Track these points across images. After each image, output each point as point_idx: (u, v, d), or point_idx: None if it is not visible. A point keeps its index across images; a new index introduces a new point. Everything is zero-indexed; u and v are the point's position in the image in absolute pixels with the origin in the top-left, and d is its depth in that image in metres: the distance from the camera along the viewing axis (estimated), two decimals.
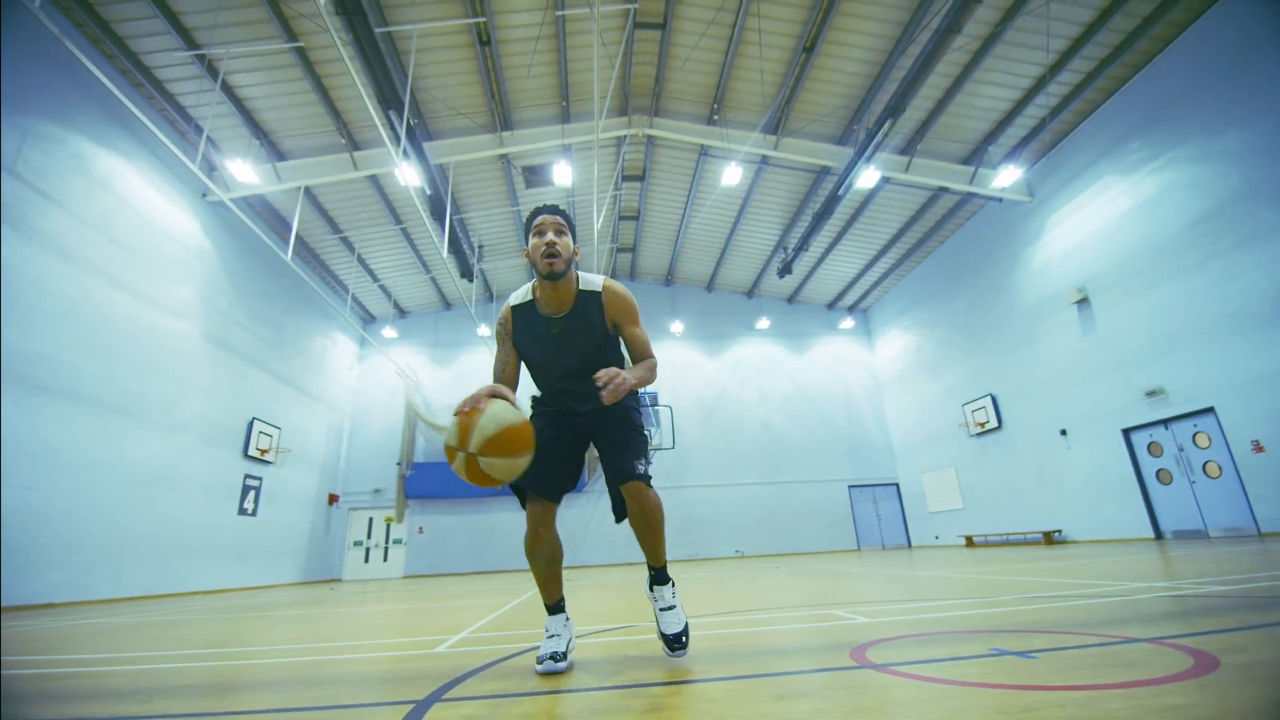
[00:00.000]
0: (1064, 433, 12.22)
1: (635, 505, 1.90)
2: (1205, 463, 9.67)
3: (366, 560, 16.50)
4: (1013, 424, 13.73)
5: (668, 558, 2.26)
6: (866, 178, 11.77)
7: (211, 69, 9.58)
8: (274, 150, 11.44)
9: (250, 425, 12.44)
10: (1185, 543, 8.61)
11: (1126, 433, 10.91)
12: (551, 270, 1.91)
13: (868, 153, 10.93)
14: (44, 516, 7.78)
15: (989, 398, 14.30)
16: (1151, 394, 10.26)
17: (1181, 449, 10.03)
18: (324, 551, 15.69)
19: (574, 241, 2.02)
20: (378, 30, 9.10)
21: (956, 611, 2.80)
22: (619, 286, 2.04)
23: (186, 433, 10.67)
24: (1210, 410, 9.39)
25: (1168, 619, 2.16)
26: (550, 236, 1.92)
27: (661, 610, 1.99)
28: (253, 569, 12.40)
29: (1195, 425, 9.77)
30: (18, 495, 7.40)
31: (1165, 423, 10.22)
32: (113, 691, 1.95)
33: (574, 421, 2.06)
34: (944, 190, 13.54)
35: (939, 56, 9.31)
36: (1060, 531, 12.26)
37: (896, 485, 18.60)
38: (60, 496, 8.06)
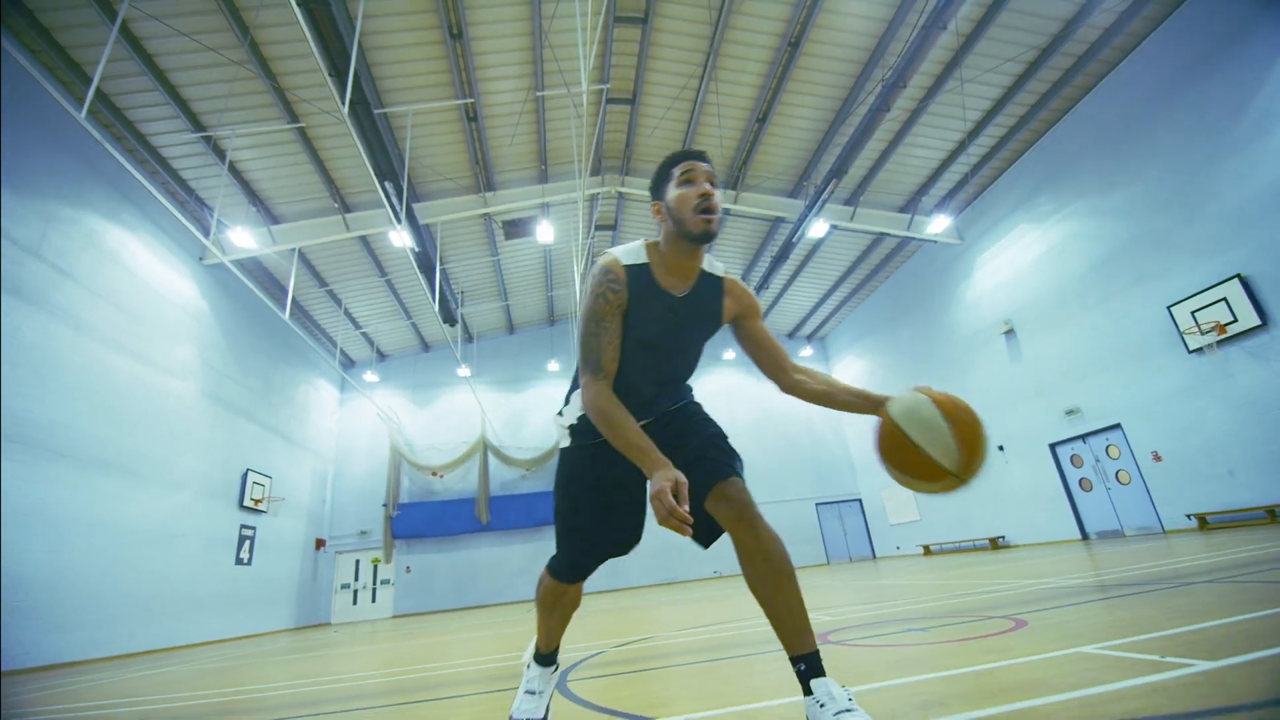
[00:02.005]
0: (1001, 449, 13.68)
1: (749, 538, 1.41)
2: (1117, 471, 11.15)
3: (355, 602, 16.75)
4: None
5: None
6: (817, 228, 13.19)
7: (217, 148, 10.32)
8: (269, 214, 12.12)
9: (244, 476, 12.83)
10: (1102, 542, 9.99)
11: (1053, 447, 12.39)
12: (708, 230, 1.43)
13: (817, 207, 12.32)
14: (62, 577, 8.16)
15: None
16: (1070, 413, 11.77)
17: (1098, 460, 11.52)
18: (313, 596, 15.93)
19: None
20: (376, 112, 10.03)
21: (896, 608, 3.84)
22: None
23: (187, 488, 11.06)
24: (1118, 426, 10.90)
25: (1023, 603, 3.23)
26: (707, 187, 1.44)
27: (836, 715, 1.24)
28: (250, 618, 12.68)
29: (1107, 439, 11.28)
30: (39, 559, 7.80)
31: (1083, 437, 11.71)
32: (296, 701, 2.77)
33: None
34: (885, 235, 15.10)
35: (875, 126, 10.73)
36: (1004, 537, 13.64)
37: (859, 501, 19.94)
38: (75, 557, 8.43)
